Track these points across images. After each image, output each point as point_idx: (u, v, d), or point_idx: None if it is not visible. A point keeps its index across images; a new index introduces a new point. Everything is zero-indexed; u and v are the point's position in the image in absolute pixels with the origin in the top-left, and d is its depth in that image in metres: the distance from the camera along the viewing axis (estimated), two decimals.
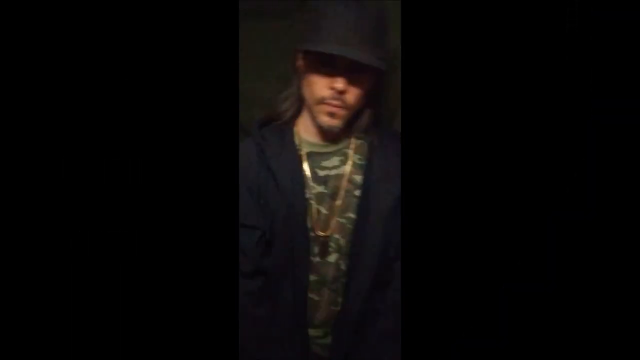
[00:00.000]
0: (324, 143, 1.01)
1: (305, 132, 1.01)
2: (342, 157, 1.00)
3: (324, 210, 0.98)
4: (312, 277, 0.97)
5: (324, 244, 0.98)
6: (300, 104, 1.00)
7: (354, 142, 1.01)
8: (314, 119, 0.96)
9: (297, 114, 1.01)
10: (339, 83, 0.90)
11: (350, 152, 1.01)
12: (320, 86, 0.92)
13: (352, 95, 0.92)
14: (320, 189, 0.98)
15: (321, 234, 0.97)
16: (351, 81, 0.91)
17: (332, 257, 0.98)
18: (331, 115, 0.93)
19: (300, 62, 0.96)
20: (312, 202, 0.98)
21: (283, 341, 0.97)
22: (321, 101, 0.93)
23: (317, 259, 0.98)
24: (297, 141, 1.00)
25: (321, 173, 0.99)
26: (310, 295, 0.98)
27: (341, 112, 0.93)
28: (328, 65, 0.90)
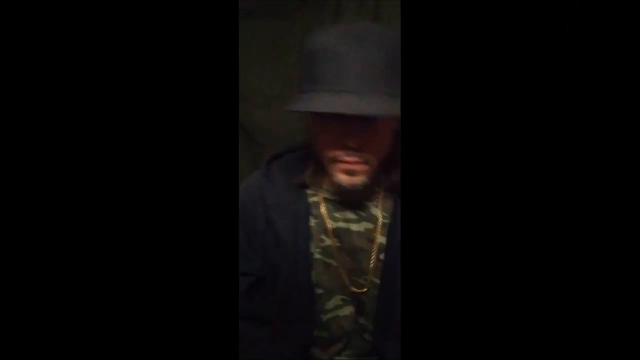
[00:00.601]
0: (343, 197, 0.85)
1: (326, 184, 0.86)
2: (361, 212, 0.86)
3: (335, 264, 0.85)
4: (318, 333, 0.87)
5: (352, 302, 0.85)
6: (322, 168, 0.83)
7: (380, 193, 0.86)
8: (331, 177, 0.80)
9: (322, 178, 0.86)
10: (350, 138, 0.74)
11: (373, 206, 0.86)
12: (330, 144, 0.77)
13: (372, 149, 0.77)
14: (328, 242, 0.85)
15: (355, 290, 0.84)
16: (363, 132, 0.75)
17: (347, 311, 0.87)
18: (350, 173, 0.78)
19: (306, 119, 0.81)
20: (319, 259, 0.85)
21: None
22: (335, 160, 0.77)
23: (328, 316, 0.86)
24: (313, 189, 0.86)
25: (333, 225, 0.85)
26: (315, 351, 0.88)
27: (362, 168, 0.77)
28: (335, 117, 0.73)
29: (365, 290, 0.85)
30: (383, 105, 0.72)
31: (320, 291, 0.86)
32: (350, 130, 0.75)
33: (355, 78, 0.71)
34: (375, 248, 0.85)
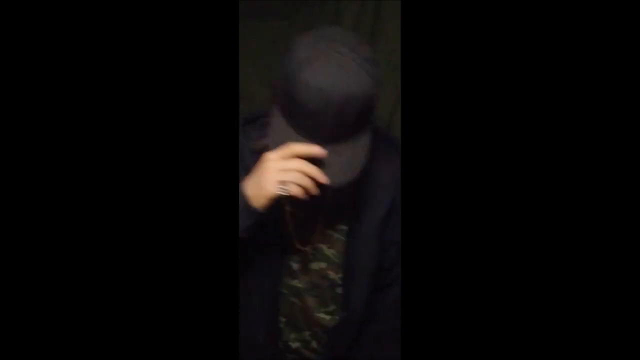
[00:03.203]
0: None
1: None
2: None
3: (297, 304, 0.95)
4: (291, 282, 0.95)
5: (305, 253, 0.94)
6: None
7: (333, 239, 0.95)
8: None
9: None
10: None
11: (328, 249, 0.95)
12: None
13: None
14: (294, 282, 0.95)
15: (302, 248, 0.92)
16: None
17: (316, 265, 0.94)
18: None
19: None
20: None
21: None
22: None
23: (297, 265, 0.94)
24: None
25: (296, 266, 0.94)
26: (293, 299, 0.96)
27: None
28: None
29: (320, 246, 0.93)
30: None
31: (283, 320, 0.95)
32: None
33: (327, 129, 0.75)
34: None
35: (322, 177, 0.75)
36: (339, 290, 0.95)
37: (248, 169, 0.85)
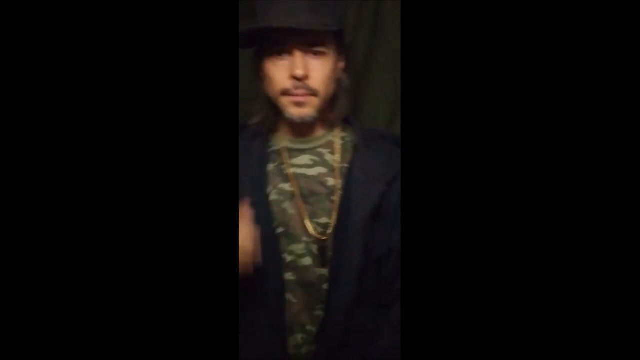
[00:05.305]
0: (300, 139, 0.94)
1: (282, 131, 0.95)
2: (315, 157, 0.94)
3: (290, 211, 0.92)
4: (288, 276, 0.91)
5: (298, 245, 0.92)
6: (273, 109, 0.92)
7: (336, 142, 0.95)
8: (284, 115, 0.89)
9: (275, 119, 0.94)
10: (298, 69, 0.84)
11: (326, 152, 0.94)
12: (280, 77, 0.86)
13: (317, 79, 0.86)
14: (286, 187, 0.92)
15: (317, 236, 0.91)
16: (311, 64, 0.86)
17: (306, 261, 0.92)
18: (299, 104, 0.87)
19: (256, 61, 0.90)
20: (277, 200, 0.92)
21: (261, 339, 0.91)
22: (285, 93, 0.87)
23: (291, 257, 0.92)
24: (273, 141, 0.95)
25: (289, 170, 0.93)
26: (288, 296, 0.92)
27: (309, 99, 0.87)
28: (280, 48, 0.85)
29: (325, 238, 0.91)
30: (321, 21, 0.82)
31: (280, 230, 0.92)
32: (297, 61, 0.84)
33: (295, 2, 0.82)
34: (326, 190, 0.92)
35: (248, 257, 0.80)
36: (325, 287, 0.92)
37: (253, 178, 0.90)
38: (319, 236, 0.91)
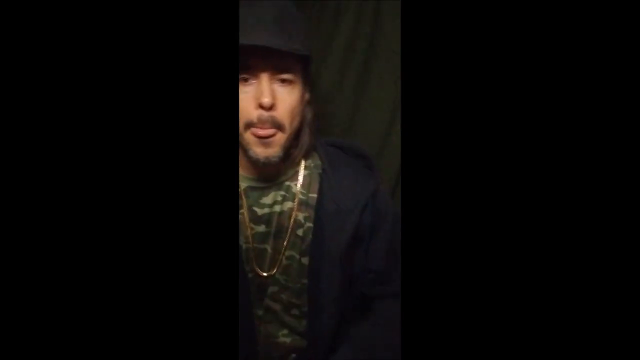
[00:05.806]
0: (262, 177, 0.90)
1: (242, 168, 0.89)
2: (283, 192, 0.90)
3: (269, 249, 0.90)
4: (259, 312, 0.91)
5: (265, 285, 0.90)
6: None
7: (301, 173, 0.91)
8: (246, 152, 0.84)
9: None
10: (265, 96, 0.78)
11: (293, 185, 0.91)
12: (244, 107, 0.80)
13: (283, 110, 0.81)
14: (260, 229, 0.89)
15: (263, 274, 0.90)
16: (278, 92, 0.80)
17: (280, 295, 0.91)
18: (265, 144, 0.81)
19: None
20: (252, 244, 0.89)
21: None
22: (249, 125, 0.81)
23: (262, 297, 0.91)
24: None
25: (260, 212, 0.89)
26: (261, 327, 0.92)
27: (275, 137, 0.82)
28: (245, 72, 0.79)
29: (272, 272, 0.90)
30: (290, 43, 0.78)
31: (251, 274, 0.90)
32: (263, 87, 0.79)
33: (264, 23, 0.78)
34: (296, 226, 0.89)
35: None
36: (294, 314, 0.92)
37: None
38: (259, 272, 0.90)
